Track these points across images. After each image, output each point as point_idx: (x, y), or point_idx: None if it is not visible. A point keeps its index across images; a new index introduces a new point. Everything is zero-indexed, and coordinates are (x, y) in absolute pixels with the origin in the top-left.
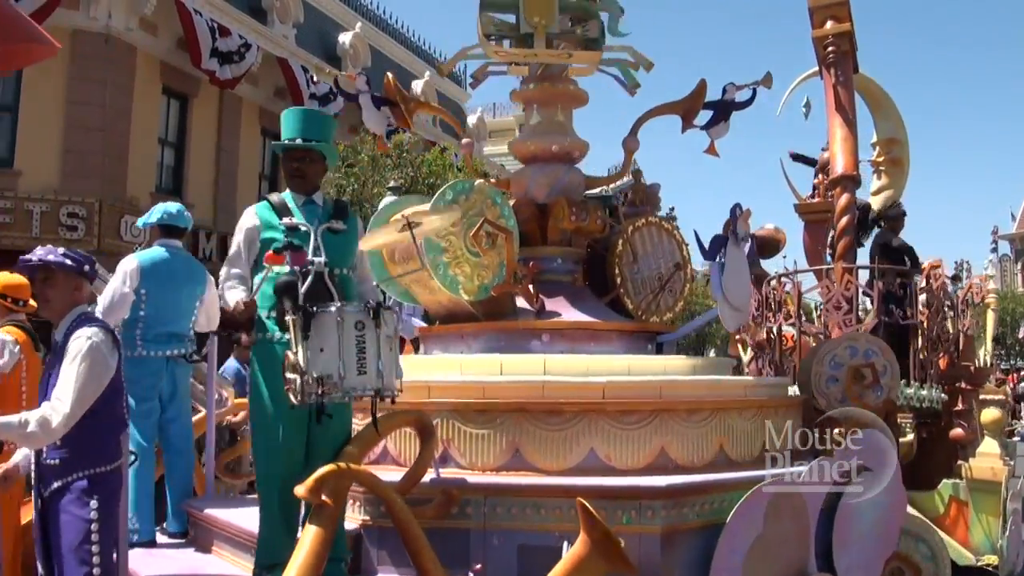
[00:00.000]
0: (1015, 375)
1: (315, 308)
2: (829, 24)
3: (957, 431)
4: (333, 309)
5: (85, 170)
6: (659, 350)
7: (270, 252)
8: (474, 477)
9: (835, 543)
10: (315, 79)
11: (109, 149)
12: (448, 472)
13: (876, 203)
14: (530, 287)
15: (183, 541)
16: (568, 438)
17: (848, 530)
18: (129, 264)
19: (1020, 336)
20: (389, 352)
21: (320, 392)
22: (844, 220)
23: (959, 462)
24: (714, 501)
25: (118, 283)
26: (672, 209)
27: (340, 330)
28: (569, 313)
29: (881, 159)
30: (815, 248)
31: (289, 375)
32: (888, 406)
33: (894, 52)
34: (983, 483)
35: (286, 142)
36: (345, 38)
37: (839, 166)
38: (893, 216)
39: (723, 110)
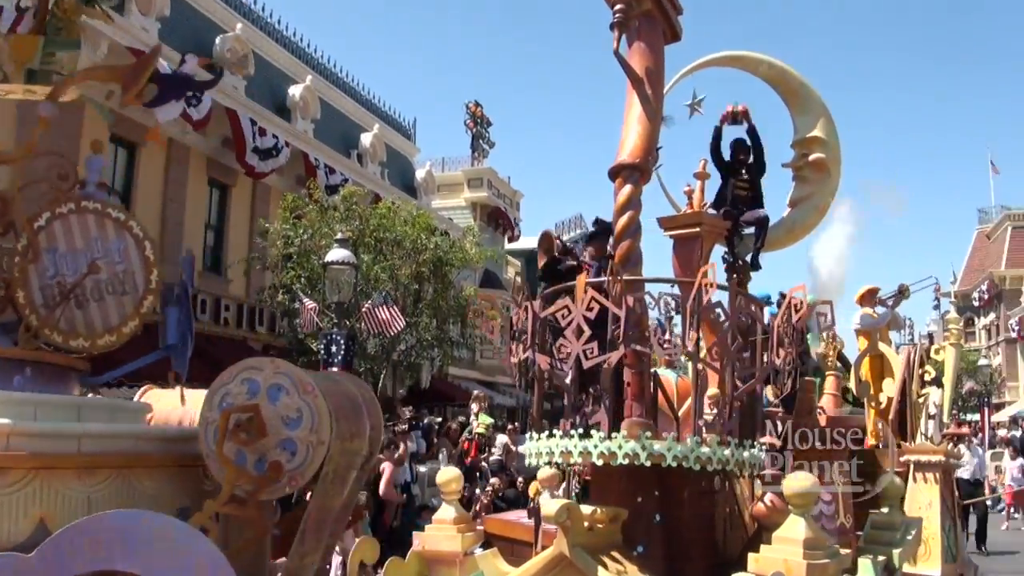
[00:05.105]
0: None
1: None
2: None
3: (758, 506)
4: None
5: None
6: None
7: None
8: None
9: None
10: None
11: (167, 236)
12: None
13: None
14: None
15: None
16: None
17: None
18: None
19: (963, 391)
20: None
21: None
22: (624, 219)
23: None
24: None
25: None
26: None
27: None
28: None
29: (800, 163)
30: (683, 270)
31: None
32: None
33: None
34: None
35: None
36: (295, 91)
37: (625, 152)
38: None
39: (174, 86)
